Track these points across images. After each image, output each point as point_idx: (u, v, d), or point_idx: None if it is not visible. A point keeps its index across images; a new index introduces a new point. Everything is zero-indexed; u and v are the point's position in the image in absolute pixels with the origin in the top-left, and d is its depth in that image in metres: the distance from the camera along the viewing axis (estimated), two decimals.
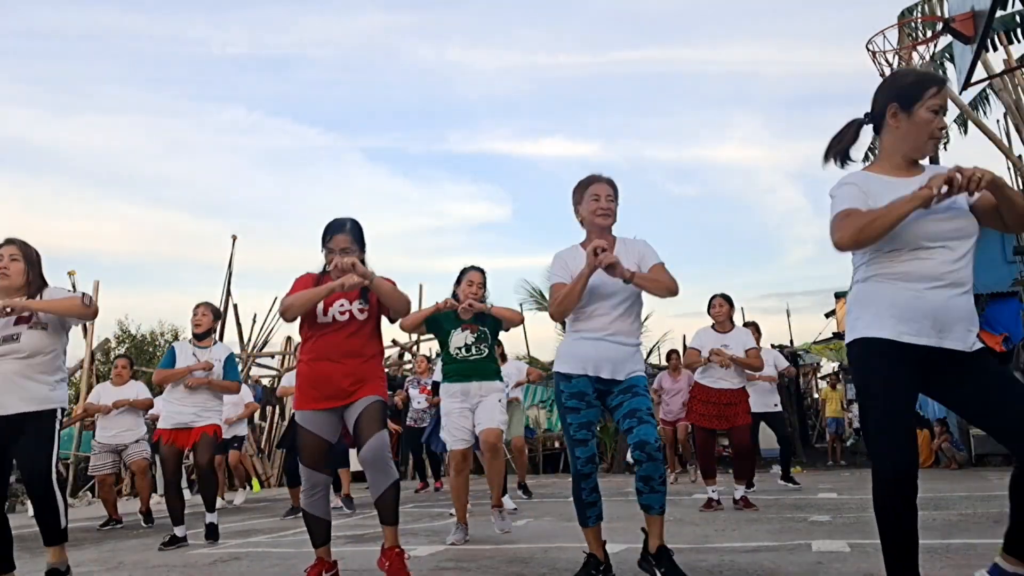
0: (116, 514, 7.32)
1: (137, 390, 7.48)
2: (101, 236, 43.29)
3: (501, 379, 5.05)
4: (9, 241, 3.72)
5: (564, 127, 55.05)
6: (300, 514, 3.87)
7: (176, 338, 22.45)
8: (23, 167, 43.94)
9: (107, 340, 16.50)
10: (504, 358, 7.85)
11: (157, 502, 9.83)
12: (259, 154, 48.83)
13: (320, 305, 3.58)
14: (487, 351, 4.95)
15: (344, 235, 3.61)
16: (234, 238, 14.44)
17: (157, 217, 43.31)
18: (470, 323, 4.92)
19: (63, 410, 3.72)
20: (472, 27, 51.60)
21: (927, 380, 2.45)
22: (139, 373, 15.98)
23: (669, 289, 3.33)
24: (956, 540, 4.20)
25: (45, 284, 3.81)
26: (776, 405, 8.35)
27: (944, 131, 2.52)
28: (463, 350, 4.90)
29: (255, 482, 9.65)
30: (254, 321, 14.82)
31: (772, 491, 7.98)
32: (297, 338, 13.78)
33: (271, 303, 14.77)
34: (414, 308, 4.71)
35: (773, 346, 13.90)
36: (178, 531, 5.42)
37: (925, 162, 2.62)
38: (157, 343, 23.21)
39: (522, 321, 5.29)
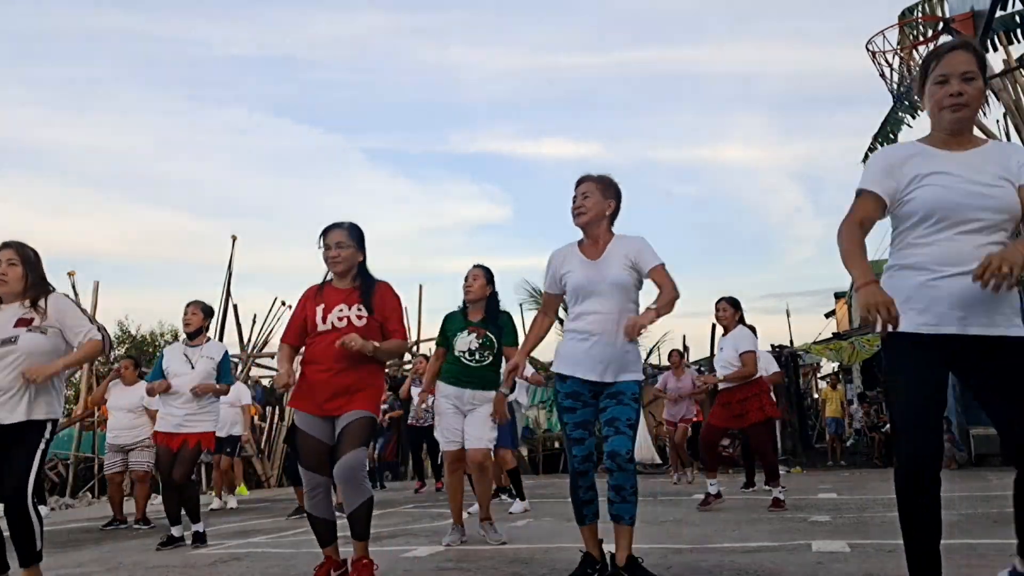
0: (120, 514, 7.31)
1: (143, 391, 7.45)
2: (101, 236, 43.33)
3: (498, 387, 4.87)
4: (6, 245, 3.60)
5: (565, 127, 55.10)
6: (305, 514, 3.87)
7: (176, 338, 22.41)
8: (23, 167, 43.96)
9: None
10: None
11: (156, 508, 9.82)
12: (260, 154, 48.89)
13: (319, 312, 3.60)
14: (491, 359, 4.79)
15: (340, 231, 3.65)
16: (234, 238, 14.46)
17: (157, 217, 43.38)
18: (477, 326, 4.80)
19: (55, 423, 3.57)
20: (473, 28, 51.62)
21: (956, 367, 2.41)
22: (139, 374, 16.02)
23: (671, 302, 3.30)
24: (956, 540, 4.20)
25: (47, 289, 3.65)
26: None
27: (956, 96, 2.37)
28: (466, 354, 4.77)
29: (241, 487, 9.59)
30: (254, 321, 14.84)
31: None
32: None
33: (271, 303, 14.80)
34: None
35: (773, 347, 13.92)
36: (175, 531, 5.41)
37: (994, 137, 2.53)
38: (157, 343, 23.21)
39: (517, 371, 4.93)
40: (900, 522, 2.37)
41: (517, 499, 6.87)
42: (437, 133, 52.93)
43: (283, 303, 14.47)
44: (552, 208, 55.82)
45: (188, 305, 5.69)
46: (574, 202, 3.47)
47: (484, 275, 4.88)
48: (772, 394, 7.01)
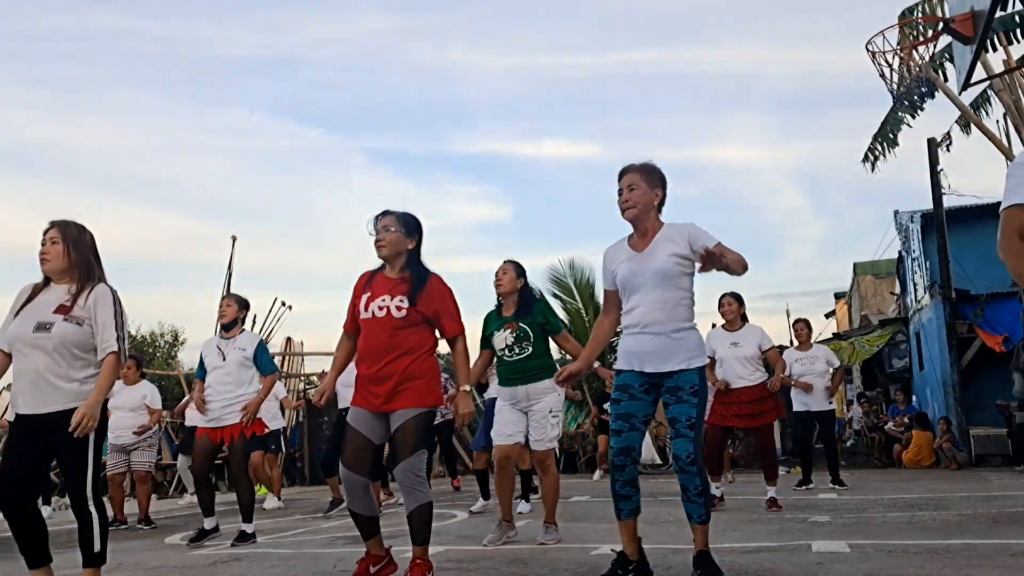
0: (122, 515, 7.28)
1: (146, 390, 7.45)
2: (101, 236, 43.18)
3: (551, 375, 4.60)
4: (52, 224, 3.51)
5: (565, 128, 55.10)
6: (342, 506, 3.92)
7: (176, 338, 22.42)
8: (24, 167, 43.94)
9: None
10: None
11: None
12: (260, 155, 48.89)
13: (364, 300, 3.60)
14: (531, 348, 4.73)
15: (390, 216, 3.65)
16: (234, 239, 14.44)
17: (157, 218, 43.36)
18: (510, 321, 4.78)
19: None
20: (473, 29, 51.61)
21: None
22: (143, 374, 15.99)
23: (741, 260, 3.13)
24: (956, 540, 4.20)
25: (94, 274, 3.51)
26: (830, 403, 8.37)
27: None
28: (506, 351, 4.77)
29: (262, 488, 9.48)
30: (254, 322, 14.78)
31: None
32: (297, 339, 13.51)
33: (271, 304, 14.78)
34: None
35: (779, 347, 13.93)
36: (207, 523, 5.45)
37: None
38: (157, 344, 23.18)
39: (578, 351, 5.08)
40: None
41: (522, 500, 6.91)
42: (437, 133, 52.99)
43: (283, 303, 14.48)
44: (552, 208, 55.80)
45: (223, 298, 5.77)
46: (620, 195, 3.37)
47: (514, 269, 4.87)
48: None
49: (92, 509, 3.32)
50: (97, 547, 3.34)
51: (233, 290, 14.44)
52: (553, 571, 3.76)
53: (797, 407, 8.29)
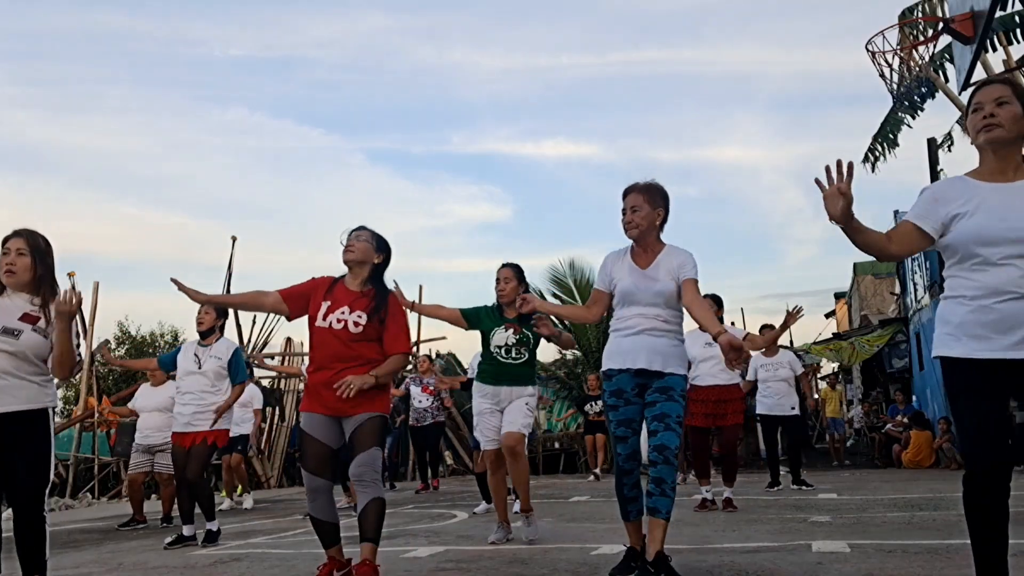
0: (141, 514, 7.29)
1: (172, 392, 7.44)
2: (101, 237, 43.30)
3: (535, 383, 4.95)
4: (16, 233, 3.49)
5: (565, 128, 55.14)
6: (353, 509, 3.90)
7: (176, 339, 22.41)
8: (24, 168, 43.97)
9: (107, 341, 16.38)
10: None
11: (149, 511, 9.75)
12: (260, 155, 48.90)
13: (323, 308, 3.62)
14: (527, 355, 4.80)
15: (365, 230, 3.77)
16: (234, 239, 14.44)
17: (157, 218, 43.35)
18: (513, 323, 4.77)
19: (53, 409, 3.44)
20: (474, 29, 51.63)
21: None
22: (139, 375, 16.00)
23: (706, 314, 3.44)
24: (956, 540, 4.20)
25: (55, 288, 3.50)
26: (793, 408, 8.45)
27: (988, 118, 2.46)
28: (502, 351, 4.77)
29: (239, 487, 9.52)
30: (254, 322, 14.81)
31: (772, 491, 7.98)
32: (297, 339, 13.51)
33: None
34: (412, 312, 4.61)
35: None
36: (186, 530, 5.45)
37: None
38: (157, 344, 23.18)
39: (572, 345, 5.10)
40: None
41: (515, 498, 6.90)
42: (438, 133, 53.01)
43: None
44: (553, 208, 55.85)
45: (202, 305, 5.71)
46: (623, 215, 3.56)
47: (515, 276, 4.86)
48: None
49: (46, 515, 3.27)
50: (48, 553, 3.28)
51: (233, 290, 14.49)
52: (553, 571, 3.76)
53: (760, 410, 8.46)
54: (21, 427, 3.26)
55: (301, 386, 15.56)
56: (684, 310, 3.54)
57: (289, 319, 3.81)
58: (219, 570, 4.30)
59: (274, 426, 13.80)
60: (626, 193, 3.57)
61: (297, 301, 3.74)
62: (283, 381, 14.82)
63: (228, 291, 14.47)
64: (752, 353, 6.63)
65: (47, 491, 3.30)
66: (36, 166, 44.42)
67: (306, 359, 15.73)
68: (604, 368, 3.58)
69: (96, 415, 12.65)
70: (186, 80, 45.50)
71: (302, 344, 15.20)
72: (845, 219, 2.43)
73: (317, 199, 46.93)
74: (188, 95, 46.62)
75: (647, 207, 3.52)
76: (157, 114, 45.49)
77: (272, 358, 15.31)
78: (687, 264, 3.51)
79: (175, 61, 43.91)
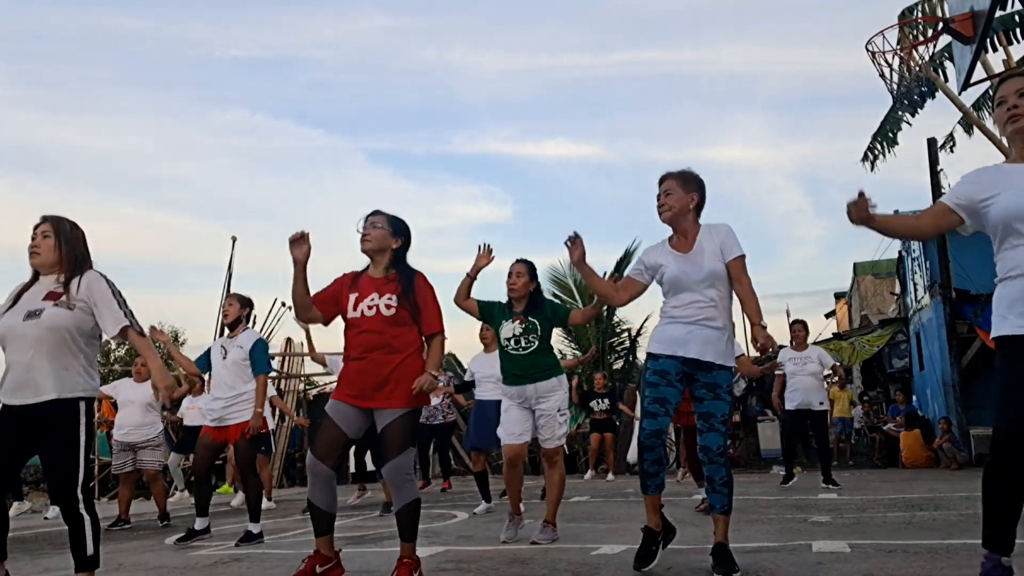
0: (126, 515, 7.26)
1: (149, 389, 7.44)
2: (101, 237, 43.18)
3: (560, 373, 4.90)
4: (44, 218, 3.49)
5: (566, 128, 55.14)
6: (391, 511, 3.92)
7: (176, 339, 22.40)
8: (24, 168, 43.96)
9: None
10: None
11: (177, 499, 9.75)
12: (261, 155, 48.89)
13: (352, 300, 3.63)
14: (537, 343, 4.79)
15: (379, 215, 3.75)
16: (234, 239, 14.44)
17: (158, 218, 43.36)
18: (519, 314, 4.84)
19: (90, 400, 3.31)
20: (474, 29, 51.63)
21: None
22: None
23: (757, 308, 3.50)
24: (956, 540, 4.20)
25: (83, 267, 3.44)
26: (822, 404, 8.48)
27: (1012, 109, 2.65)
28: (511, 341, 4.81)
29: (225, 487, 9.44)
30: (254, 323, 14.77)
31: (772, 491, 7.98)
32: (297, 339, 13.51)
33: (271, 304, 14.77)
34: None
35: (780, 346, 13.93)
36: (199, 523, 5.49)
37: None
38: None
39: (596, 314, 5.22)
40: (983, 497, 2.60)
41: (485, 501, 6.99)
42: (438, 134, 53.02)
43: (283, 304, 14.45)
44: (553, 208, 55.82)
45: (228, 296, 5.85)
46: (657, 200, 3.63)
47: (527, 272, 4.92)
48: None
49: (83, 512, 3.19)
50: (90, 550, 3.20)
51: (233, 290, 14.48)
52: (553, 571, 3.76)
53: (789, 405, 8.45)
54: (48, 419, 3.20)
55: (302, 387, 15.57)
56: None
57: (325, 324, 3.77)
58: (219, 570, 4.30)
59: (275, 426, 13.77)
60: (661, 180, 3.66)
61: (327, 305, 3.72)
62: (283, 381, 14.82)
63: (228, 292, 14.50)
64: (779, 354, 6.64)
65: (79, 487, 3.19)
66: (36, 166, 44.44)
67: (306, 360, 15.77)
68: (651, 350, 3.61)
69: (97, 415, 12.64)
70: (186, 80, 45.55)
71: (302, 345, 15.18)
72: (866, 223, 2.80)
73: (317, 199, 46.97)
74: (188, 95, 46.67)
75: (680, 191, 3.60)
76: (157, 114, 45.53)
77: (272, 358, 15.31)
78: (728, 240, 3.54)
79: (175, 61, 43.95)
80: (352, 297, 3.65)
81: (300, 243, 3.58)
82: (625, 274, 3.80)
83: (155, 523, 7.24)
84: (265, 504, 8.73)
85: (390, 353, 3.53)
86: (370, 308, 3.58)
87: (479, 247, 4.78)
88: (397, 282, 3.63)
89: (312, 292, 3.68)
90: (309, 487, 3.60)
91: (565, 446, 5.24)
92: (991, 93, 11.70)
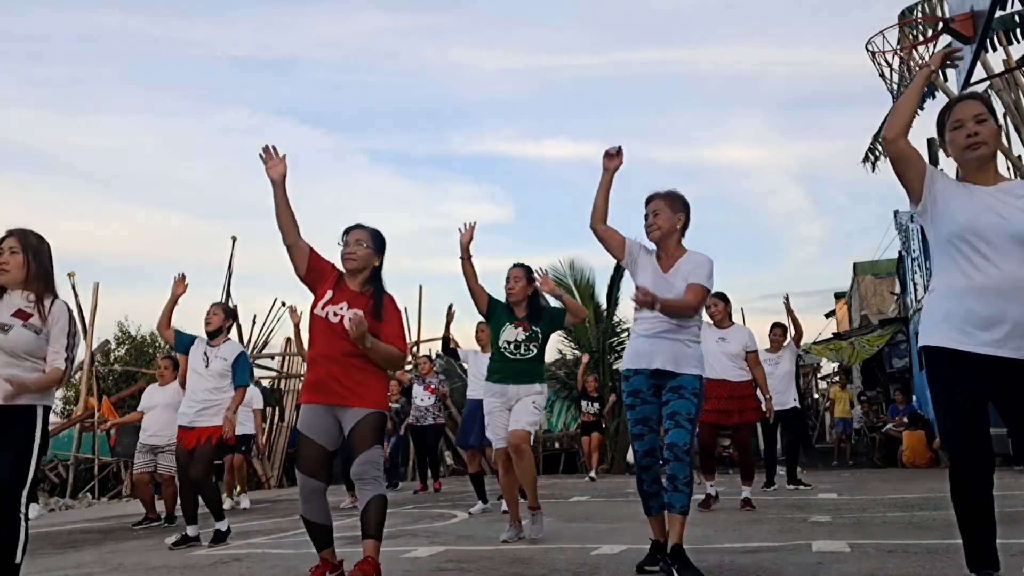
0: (153, 512, 7.29)
1: (177, 390, 7.38)
2: (102, 237, 43.29)
3: (543, 381, 5.03)
4: (9, 233, 3.49)
5: (566, 128, 55.15)
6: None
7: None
8: (24, 168, 43.97)
9: (107, 341, 16.45)
10: None
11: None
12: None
13: (326, 297, 3.62)
14: (536, 352, 4.89)
15: (362, 231, 3.71)
16: (234, 239, 14.41)
17: (158, 218, 43.33)
18: (523, 320, 4.87)
19: (47, 409, 3.37)
20: (475, 29, 51.65)
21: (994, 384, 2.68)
22: (139, 375, 15.99)
23: (678, 307, 3.53)
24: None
25: (53, 289, 3.49)
26: (794, 401, 8.43)
27: (972, 136, 2.66)
28: (511, 346, 4.84)
29: (238, 487, 9.52)
30: (254, 323, 14.77)
31: (772, 491, 7.98)
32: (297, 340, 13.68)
33: (271, 304, 14.76)
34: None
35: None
36: (190, 531, 5.45)
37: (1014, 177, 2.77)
38: (157, 344, 23.16)
39: (582, 313, 5.27)
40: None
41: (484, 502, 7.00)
42: (438, 133, 52.94)
43: (283, 304, 14.44)
44: (553, 209, 55.84)
45: (212, 305, 5.82)
46: (646, 220, 3.76)
47: (525, 276, 4.94)
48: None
49: (22, 516, 3.18)
50: (19, 558, 3.18)
51: (233, 291, 14.49)
52: (553, 571, 3.76)
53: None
54: (4, 422, 3.20)
55: (302, 387, 15.58)
56: (703, 312, 3.67)
57: (297, 275, 3.70)
58: (219, 570, 4.30)
59: (274, 426, 13.79)
60: (648, 200, 3.77)
61: (313, 271, 3.69)
62: (283, 381, 14.82)
63: (228, 292, 14.51)
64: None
65: (25, 492, 3.20)
66: (36, 166, 44.43)
67: (306, 360, 15.79)
68: (623, 368, 3.72)
69: (95, 415, 12.65)
70: (186, 80, 45.51)
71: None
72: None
73: (317, 199, 46.84)
74: (188, 95, 46.65)
75: (668, 211, 3.71)
76: (157, 114, 45.49)
77: (272, 358, 15.32)
78: (699, 268, 3.63)
79: (175, 61, 43.91)
80: (328, 294, 3.63)
81: (274, 162, 3.57)
82: (622, 238, 3.84)
83: (160, 523, 7.23)
84: (228, 504, 8.86)
85: (351, 360, 3.54)
86: (335, 316, 3.58)
87: (459, 229, 4.81)
88: (370, 298, 3.64)
89: (310, 253, 3.66)
90: (302, 504, 3.55)
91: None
92: (989, 90, 11.70)
